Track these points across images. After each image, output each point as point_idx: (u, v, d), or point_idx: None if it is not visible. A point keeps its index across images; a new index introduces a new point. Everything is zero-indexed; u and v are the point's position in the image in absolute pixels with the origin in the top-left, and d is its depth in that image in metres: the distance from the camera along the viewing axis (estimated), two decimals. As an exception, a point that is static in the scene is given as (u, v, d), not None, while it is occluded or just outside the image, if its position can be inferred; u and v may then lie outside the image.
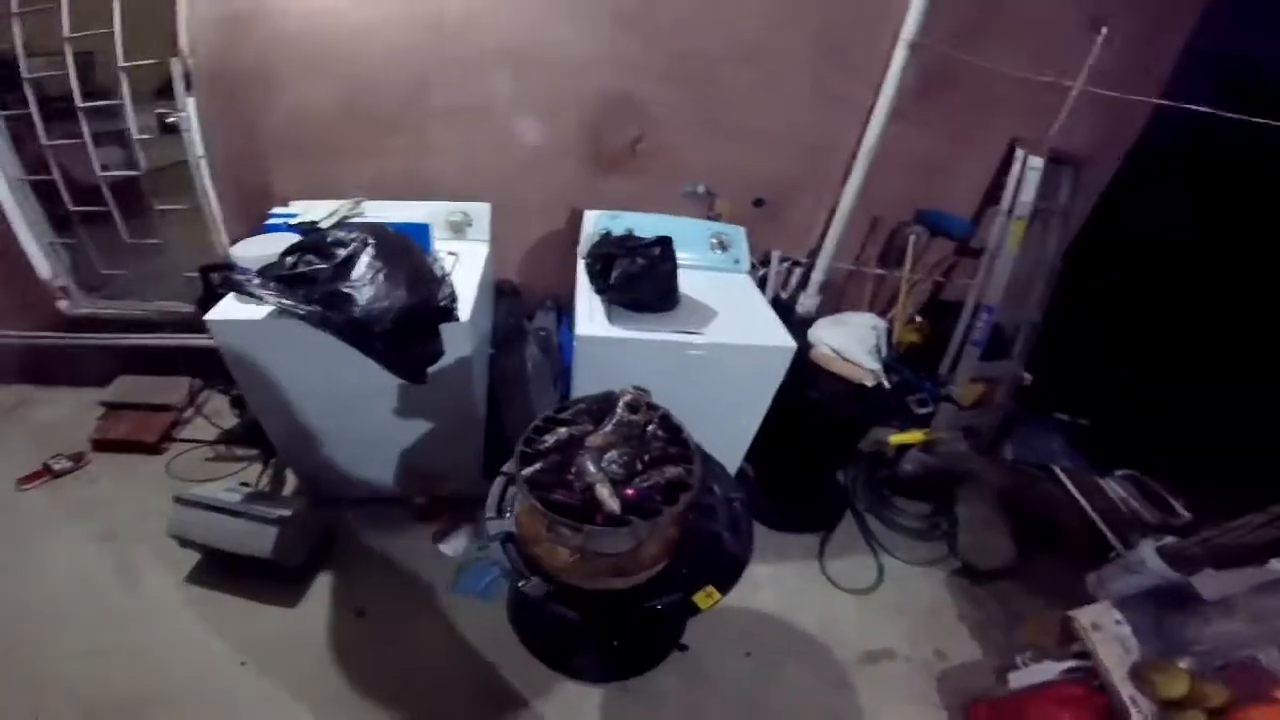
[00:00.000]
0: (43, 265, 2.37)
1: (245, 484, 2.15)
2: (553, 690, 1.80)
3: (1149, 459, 2.55)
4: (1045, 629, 1.84)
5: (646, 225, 2.15)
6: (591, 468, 1.19)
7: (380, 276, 1.58)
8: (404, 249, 1.71)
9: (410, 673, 1.81)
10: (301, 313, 1.52)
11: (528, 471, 1.21)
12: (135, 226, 2.33)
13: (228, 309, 1.66)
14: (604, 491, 1.14)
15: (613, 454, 1.23)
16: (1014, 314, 2.55)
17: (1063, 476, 2.79)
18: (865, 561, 2.31)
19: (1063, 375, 2.69)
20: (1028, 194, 2.32)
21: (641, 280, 1.87)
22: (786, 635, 2.04)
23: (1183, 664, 1.50)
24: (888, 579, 2.26)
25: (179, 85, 2.03)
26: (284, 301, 1.52)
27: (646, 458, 1.26)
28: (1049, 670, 1.71)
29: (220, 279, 1.65)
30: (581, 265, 2.11)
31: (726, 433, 2.09)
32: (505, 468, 1.57)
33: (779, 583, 2.18)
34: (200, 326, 1.66)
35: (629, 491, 1.20)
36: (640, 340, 1.79)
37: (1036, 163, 2.30)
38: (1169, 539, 1.78)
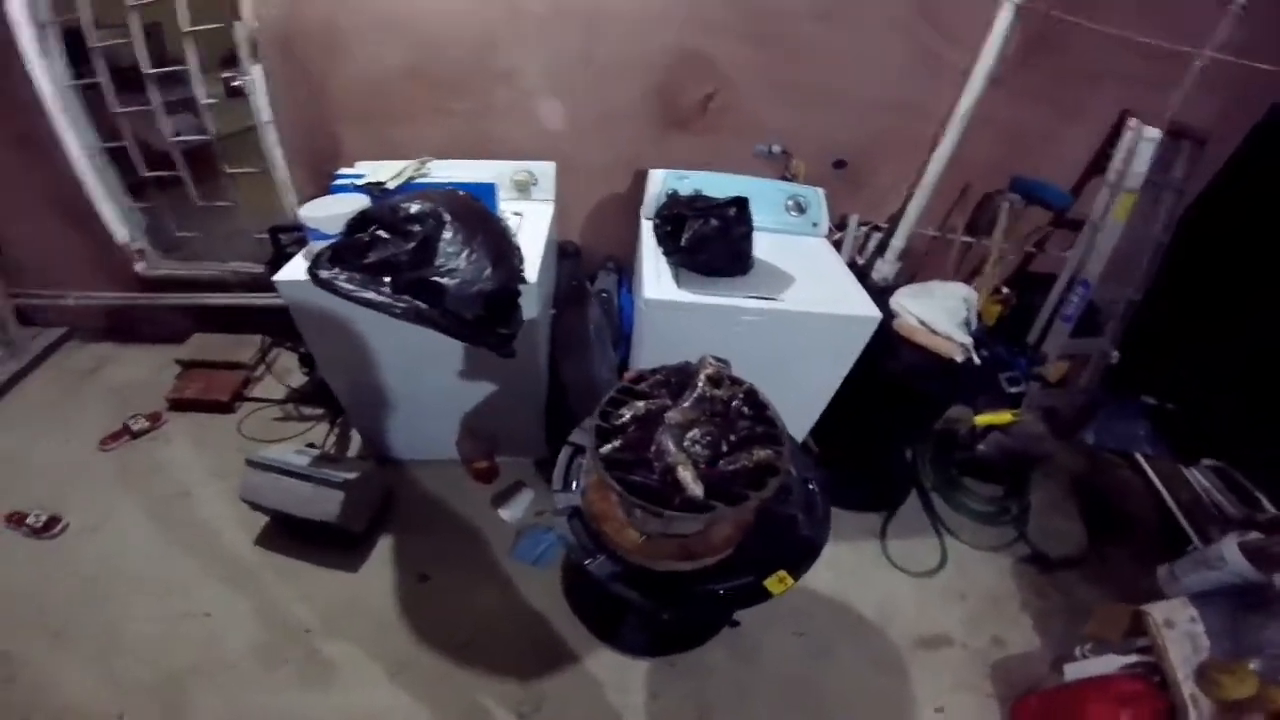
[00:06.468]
0: (119, 229, 2.43)
1: (312, 445, 2.17)
2: (608, 659, 1.81)
3: (1238, 450, 2.35)
4: (1113, 622, 1.76)
5: (716, 185, 2.04)
6: (673, 447, 1.12)
7: (464, 257, 1.50)
8: (480, 218, 1.61)
9: (471, 635, 1.82)
10: (396, 310, 1.46)
11: (606, 449, 1.15)
12: (207, 190, 2.38)
13: (297, 269, 1.63)
14: (686, 475, 1.07)
15: (695, 432, 1.15)
16: (1111, 290, 2.36)
17: (1144, 463, 2.62)
18: (928, 543, 2.23)
19: (1155, 356, 2.49)
20: (1140, 166, 2.14)
21: (714, 242, 1.77)
22: (841, 616, 1.99)
23: (1252, 665, 1.42)
24: (951, 563, 2.17)
25: (243, 50, 2.01)
26: (374, 298, 1.46)
27: (732, 438, 1.18)
28: (1108, 664, 1.64)
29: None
30: (647, 226, 2.01)
31: (795, 405, 1.98)
32: (573, 437, 1.51)
33: (837, 561, 2.11)
34: (270, 286, 1.64)
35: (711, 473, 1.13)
36: (712, 305, 1.71)
37: (1152, 134, 2.10)
38: (1253, 534, 1.70)
